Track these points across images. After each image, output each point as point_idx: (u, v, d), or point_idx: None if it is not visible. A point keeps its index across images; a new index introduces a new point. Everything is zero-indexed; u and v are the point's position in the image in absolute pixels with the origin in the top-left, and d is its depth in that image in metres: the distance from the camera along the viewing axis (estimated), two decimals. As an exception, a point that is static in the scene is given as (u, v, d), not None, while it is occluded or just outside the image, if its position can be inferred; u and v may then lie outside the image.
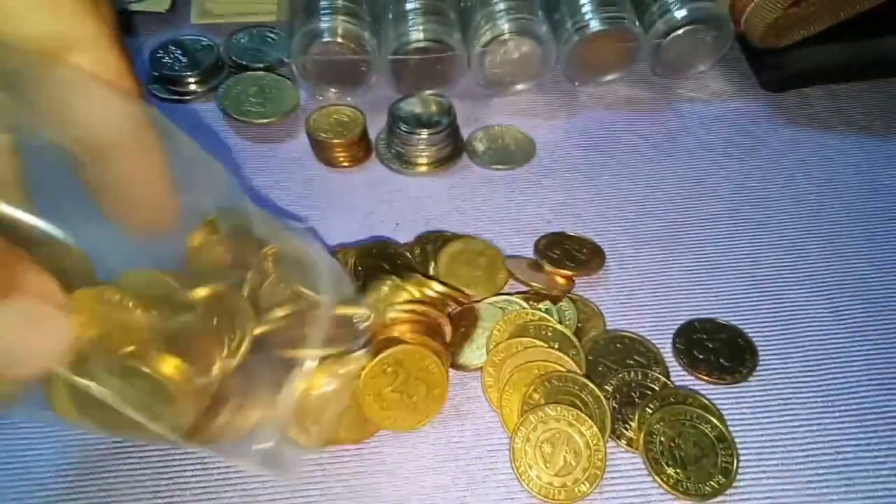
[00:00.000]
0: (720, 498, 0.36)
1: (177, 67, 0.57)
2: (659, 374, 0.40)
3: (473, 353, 0.41)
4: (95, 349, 0.28)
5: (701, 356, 0.41)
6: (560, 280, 0.45)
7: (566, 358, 0.40)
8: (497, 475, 0.37)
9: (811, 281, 0.45)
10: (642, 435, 0.37)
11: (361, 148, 0.54)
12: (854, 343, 0.42)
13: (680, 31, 0.55)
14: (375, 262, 0.45)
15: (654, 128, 0.55)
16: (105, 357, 0.29)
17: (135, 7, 0.61)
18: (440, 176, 0.53)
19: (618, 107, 0.57)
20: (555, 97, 0.58)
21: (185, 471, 0.37)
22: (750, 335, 0.42)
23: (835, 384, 0.40)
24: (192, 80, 0.57)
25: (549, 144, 0.54)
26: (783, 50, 0.55)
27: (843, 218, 0.49)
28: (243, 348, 0.33)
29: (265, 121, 0.55)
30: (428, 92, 0.56)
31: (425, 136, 0.52)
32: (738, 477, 0.37)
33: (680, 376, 0.41)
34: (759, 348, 0.42)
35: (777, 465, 0.37)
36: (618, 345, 0.42)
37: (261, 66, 0.58)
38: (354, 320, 0.37)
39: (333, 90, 0.57)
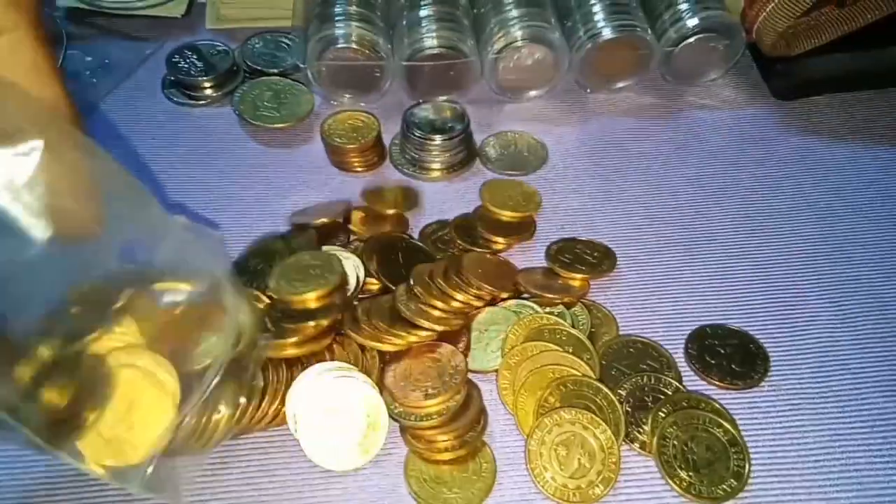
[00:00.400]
0: (732, 501, 0.36)
1: (193, 72, 0.58)
2: (672, 378, 0.40)
3: (488, 357, 0.42)
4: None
5: (713, 361, 0.42)
6: (574, 284, 0.45)
7: (580, 362, 0.40)
8: (512, 476, 0.37)
9: (821, 288, 0.46)
10: (655, 438, 0.38)
11: (376, 153, 0.54)
12: (864, 350, 0.43)
13: (691, 40, 0.55)
14: (395, 256, 0.46)
15: (666, 135, 0.56)
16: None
17: (150, 12, 0.62)
18: (453, 181, 0.53)
19: (629, 114, 0.57)
20: (567, 104, 0.58)
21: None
22: (761, 341, 0.43)
23: (845, 390, 0.41)
24: (207, 84, 0.58)
25: (561, 150, 0.55)
26: (793, 59, 0.56)
27: (854, 225, 0.49)
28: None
29: (280, 125, 0.55)
30: (441, 98, 0.56)
31: (439, 142, 0.52)
32: (750, 480, 0.37)
33: (692, 381, 0.41)
34: (769, 354, 0.42)
35: (788, 469, 0.38)
36: (630, 349, 0.42)
37: (276, 71, 0.59)
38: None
39: (347, 95, 0.58)
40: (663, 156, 0.54)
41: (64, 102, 0.30)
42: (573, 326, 0.42)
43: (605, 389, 0.39)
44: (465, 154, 0.54)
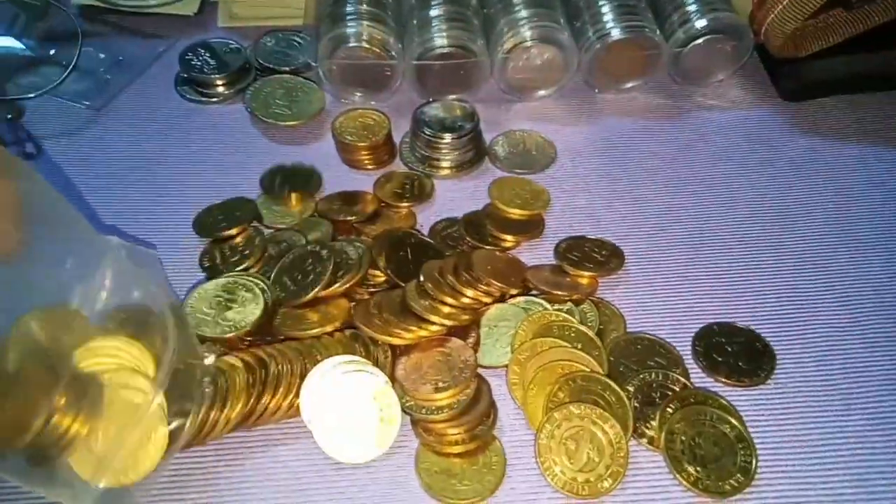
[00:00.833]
0: (739, 496, 0.37)
1: (206, 70, 0.58)
2: (679, 375, 0.41)
3: (498, 352, 0.42)
4: None
5: (720, 359, 0.42)
6: (582, 281, 0.46)
7: (589, 358, 0.41)
8: (522, 470, 0.38)
9: (828, 288, 0.46)
10: (663, 434, 0.38)
11: (386, 151, 0.55)
12: (870, 349, 0.43)
13: (700, 41, 0.56)
14: (405, 253, 0.47)
15: (673, 135, 0.56)
16: None
17: (163, 10, 0.63)
18: (462, 179, 0.54)
19: (637, 114, 0.58)
20: (575, 104, 0.59)
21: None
22: (767, 339, 0.43)
23: (851, 389, 0.41)
24: (220, 82, 0.59)
25: (569, 150, 0.55)
26: (802, 60, 0.56)
27: (861, 226, 0.50)
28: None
29: (292, 123, 0.56)
30: (451, 97, 0.57)
31: (449, 141, 0.53)
32: (757, 476, 0.37)
33: (699, 378, 0.42)
34: (776, 352, 0.43)
35: (795, 465, 0.38)
36: (638, 346, 0.43)
37: (287, 69, 0.59)
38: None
39: (358, 94, 0.58)
40: (671, 155, 0.55)
41: None
42: (582, 323, 0.43)
43: (614, 385, 0.39)
44: (475, 152, 0.54)
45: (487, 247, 0.48)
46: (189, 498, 0.37)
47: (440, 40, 0.55)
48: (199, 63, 0.59)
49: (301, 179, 0.52)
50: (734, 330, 0.44)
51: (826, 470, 0.38)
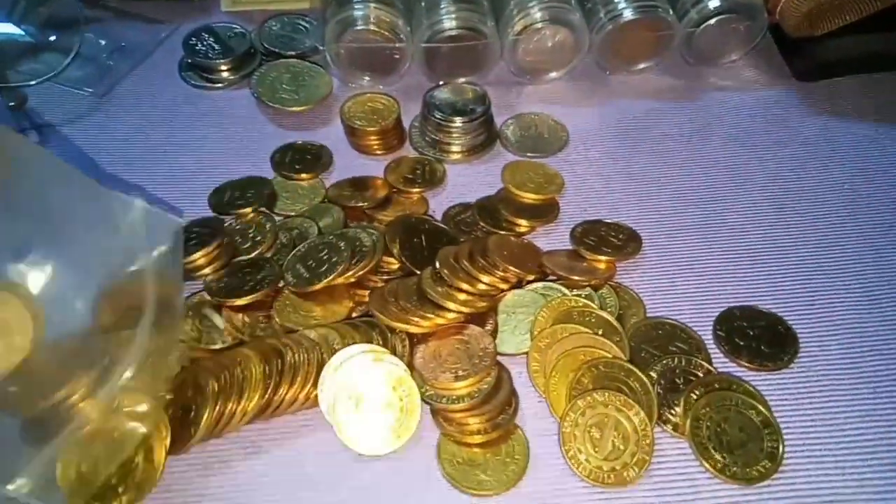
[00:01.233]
0: (766, 482, 0.36)
1: (210, 55, 0.57)
2: (702, 360, 0.40)
3: (517, 339, 0.42)
4: None
5: (742, 343, 0.42)
6: (599, 266, 0.45)
7: (611, 344, 0.40)
8: (546, 459, 0.37)
9: (847, 269, 0.46)
10: (689, 420, 0.38)
11: (395, 136, 0.54)
12: (893, 331, 0.42)
13: (713, 21, 0.55)
14: (419, 239, 0.46)
15: (687, 116, 0.55)
16: None
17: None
18: (474, 163, 0.53)
19: (650, 96, 0.57)
20: (586, 86, 0.58)
21: (235, 454, 0.38)
22: (789, 322, 0.43)
23: (876, 371, 0.41)
24: (224, 67, 0.58)
25: (581, 132, 0.54)
26: (816, 40, 0.55)
27: (878, 207, 0.49)
28: None
29: (299, 108, 0.55)
30: (461, 80, 0.56)
31: (460, 124, 0.52)
32: (784, 461, 0.37)
33: (721, 363, 0.41)
34: (798, 336, 0.42)
35: (821, 450, 0.38)
36: (659, 331, 0.42)
37: (293, 53, 0.58)
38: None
39: (366, 78, 0.57)
40: (685, 137, 0.54)
41: None
42: (602, 309, 0.42)
43: (638, 372, 0.39)
44: (486, 136, 0.53)
45: (502, 232, 0.47)
46: (208, 492, 0.37)
47: (449, 22, 0.54)
48: (203, 48, 0.58)
49: (312, 156, 0.52)
50: (756, 314, 0.43)
51: (854, 455, 0.37)
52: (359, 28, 0.54)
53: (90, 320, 0.35)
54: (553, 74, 0.58)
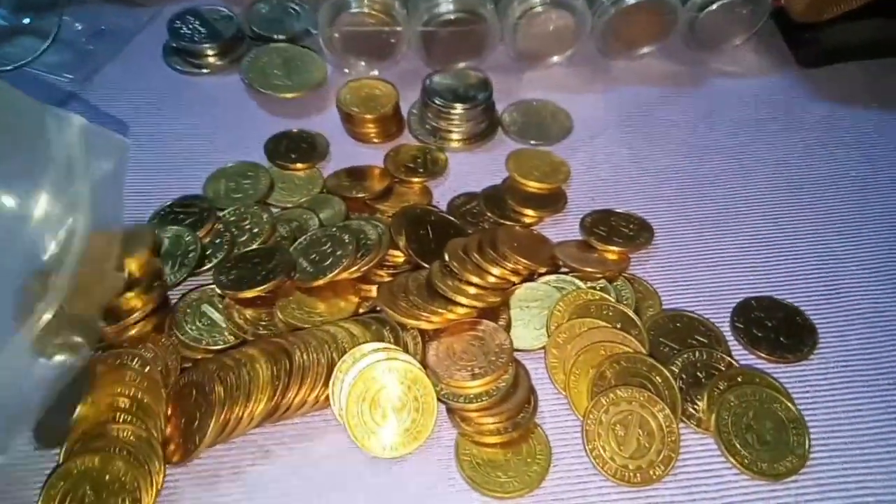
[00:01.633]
0: (793, 477, 0.35)
1: (196, 39, 0.55)
2: (723, 353, 0.39)
3: (532, 334, 0.40)
4: None
5: (760, 334, 0.41)
6: (611, 257, 0.44)
7: (631, 338, 0.39)
8: (568, 459, 0.36)
9: (862, 258, 0.45)
10: (714, 416, 0.36)
11: (394, 123, 0.52)
12: (911, 318, 0.42)
13: (716, 5, 0.54)
14: (426, 231, 0.44)
15: (691, 103, 0.54)
16: None
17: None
18: (475, 152, 0.51)
19: (652, 82, 0.56)
20: (587, 71, 0.56)
21: (243, 460, 0.36)
22: (807, 313, 0.42)
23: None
24: (211, 52, 0.55)
25: (585, 120, 0.53)
26: (819, 26, 0.54)
27: (888, 194, 0.48)
28: None
29: (292, 95, 0.53)
30: (461, 65, 0.54)
31: (461, 111, 0.50)
32: (810, 456, 0.36)
33: (740, 354, 0.40)
34: (816, 326, 0.41)
35: (846, 443, 0.37)
36: (677, 324, 0.41)
37: (283, 37, 0.56)
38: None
39: (361, 63, 0.55)
40: (690, 124, 0.53)
41: None
42: (619, 301, 0.41)
43: (660, 366, 0.38)
44: (488, 124, 0.52)
45: (509, 222, 0.46)
46: (216, 500, 0.35)
47: (447, 5, 0.52)
48: (188, 32, 0.55)
49: (308, 145, 0.50)
50: (773, 304, 0.42)
51: (880, 448, 0.37)
52: (353, 11, 0.52)
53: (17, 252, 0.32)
54: (554, 59, 0.56)
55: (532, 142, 0.52)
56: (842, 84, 0.56)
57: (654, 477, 0.35)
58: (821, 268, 0.44)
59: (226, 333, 0.39)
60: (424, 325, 0.39)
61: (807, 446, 0.36)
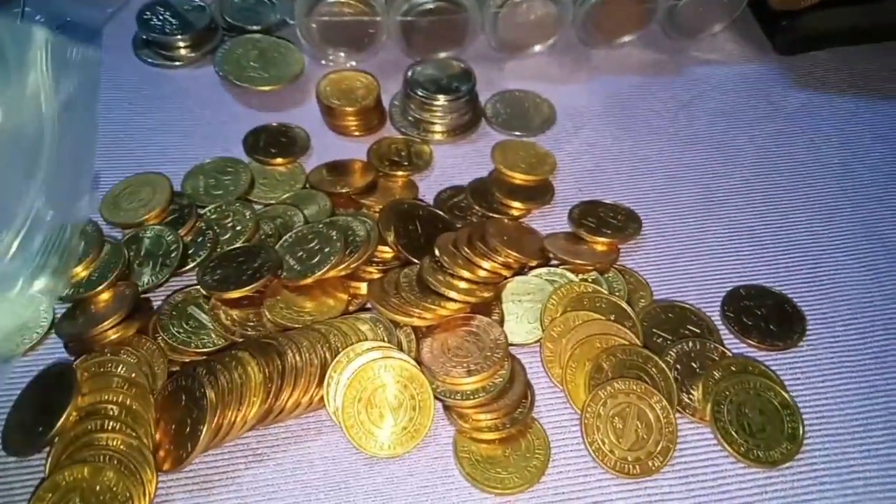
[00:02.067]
0: (789, 464, 0.36)
1: (167, 30, 0.53)
2: (716, 342, 0.39)
3: (525, 328, 0.40)
4: None
5: (750, 323, 0.41)
6: (601, 248, 0.43)
7: (625, 330, 0.39)
8: (567, 452, 0.36)
9: (845, 244, 0.45)
10: (709, 405, 0.37)
11: (375, 115, 0.51)
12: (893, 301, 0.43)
13: (695, -7, 0.54)
14: (414, 227, 0.43)
15: (672, 92, 0.54)
16: None
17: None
18: (459, 144, 0.50)
19: (633, 71, 0.56)
20: (568, 61, 0.56)
21: (236, 465, 0.35)
22: (794, 300, 0.42)
23: (882, 345, 0.41)
24: (183, 43, 0.53)
25: (568, 110, 0.53)
26: (796, 13, 0.55)
27: (867, 180, 0.49)
28: None
29: (269, 87, 0.51)
30: (443, 54, 0.53)
31: (444, 102, 0.50)
32: (805, 442, 0.36)
33: (730, 343, 0.41)
34: (805, 314, 0.42)
35: (837, 428, 0.37)
36: (669, 314, 0.41)
37: (258, 28, 0.54)
38: None
39: (340, 54, 0.54)
40: (671, 113, 0.53)
41: None
42: (610, 293, 0.41)
43: (656, 357, 0.38)
44: (472, 115, 0.51)
45: (497, 215, 0.45)
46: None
47: (427, -6, 0.52)
48: (158, 23, 0.53)
49: (288, 139, 0.49)
50: (762, 292, 0.42)
51: (870, 430, 0.37)
52: (331, 0, 0.51)
53: None
54: (535, 49, 0.56)
55: (516, 133, 0.51)
56: (817, 71, 0.56)
57: (653, 468, 0.35)
58: (805, 255, 0.45)
59: (213, 335, 0.38)
60: (417, 322, 0.38)
61: (801, 433, 0.36)
